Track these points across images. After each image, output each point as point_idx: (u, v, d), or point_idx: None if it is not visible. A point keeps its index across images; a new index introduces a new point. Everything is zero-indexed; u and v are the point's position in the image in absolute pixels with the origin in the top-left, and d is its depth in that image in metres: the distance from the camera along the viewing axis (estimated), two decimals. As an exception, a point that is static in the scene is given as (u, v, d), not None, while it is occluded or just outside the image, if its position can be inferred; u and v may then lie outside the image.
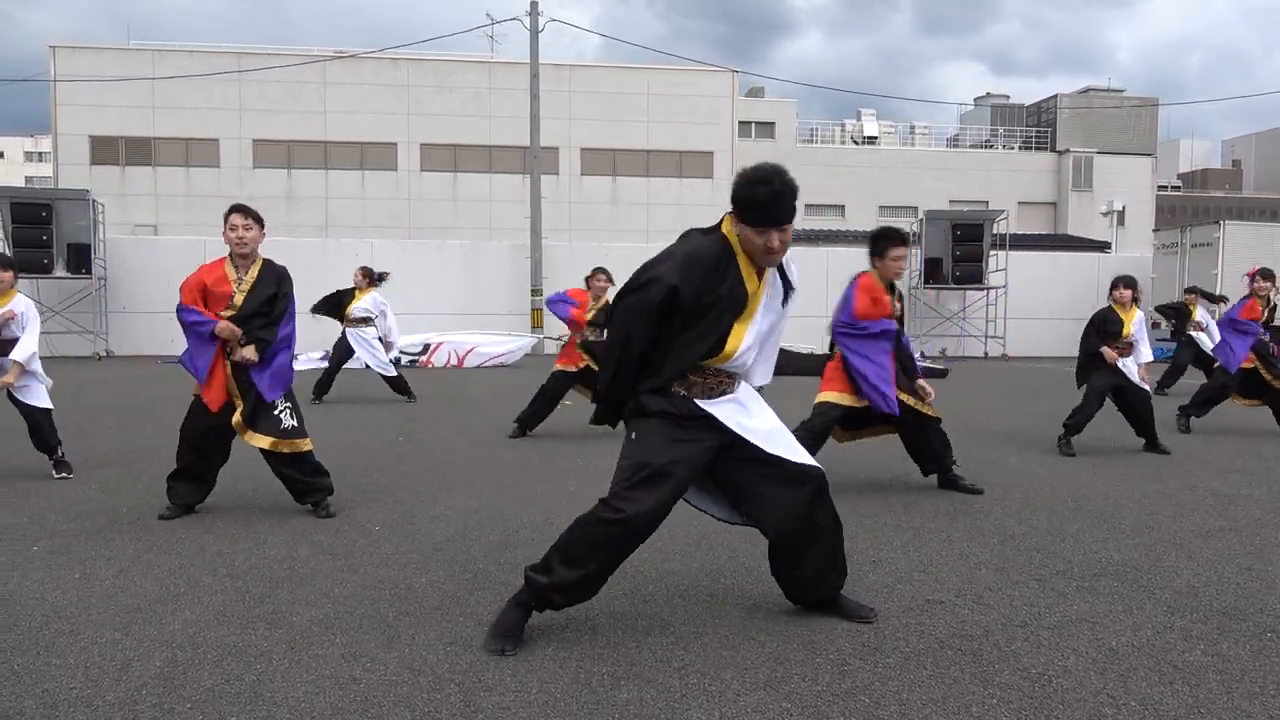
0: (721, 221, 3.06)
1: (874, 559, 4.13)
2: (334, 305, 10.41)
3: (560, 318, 8.03)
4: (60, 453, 5.97)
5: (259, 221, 4.86)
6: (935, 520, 4.87)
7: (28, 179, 67.34)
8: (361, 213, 30.35)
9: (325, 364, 10.58)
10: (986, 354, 19.29)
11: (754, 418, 3.13)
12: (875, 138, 42.12)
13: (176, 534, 4.50)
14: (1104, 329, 7.14)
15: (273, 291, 4.84)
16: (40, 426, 5.86)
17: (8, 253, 16.46)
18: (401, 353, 12.44)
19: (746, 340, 3.06)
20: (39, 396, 5.88)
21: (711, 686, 2.77)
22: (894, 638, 3.17)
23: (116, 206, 25.49)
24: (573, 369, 7.83)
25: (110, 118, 29.25)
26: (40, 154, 68.59)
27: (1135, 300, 7.23)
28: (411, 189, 31.00)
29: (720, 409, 3.08)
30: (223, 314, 4.74)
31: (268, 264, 4.91)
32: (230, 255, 4.85)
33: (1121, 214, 29.82)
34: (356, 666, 2.91)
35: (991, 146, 41.23)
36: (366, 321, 10.30)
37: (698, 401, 3.06)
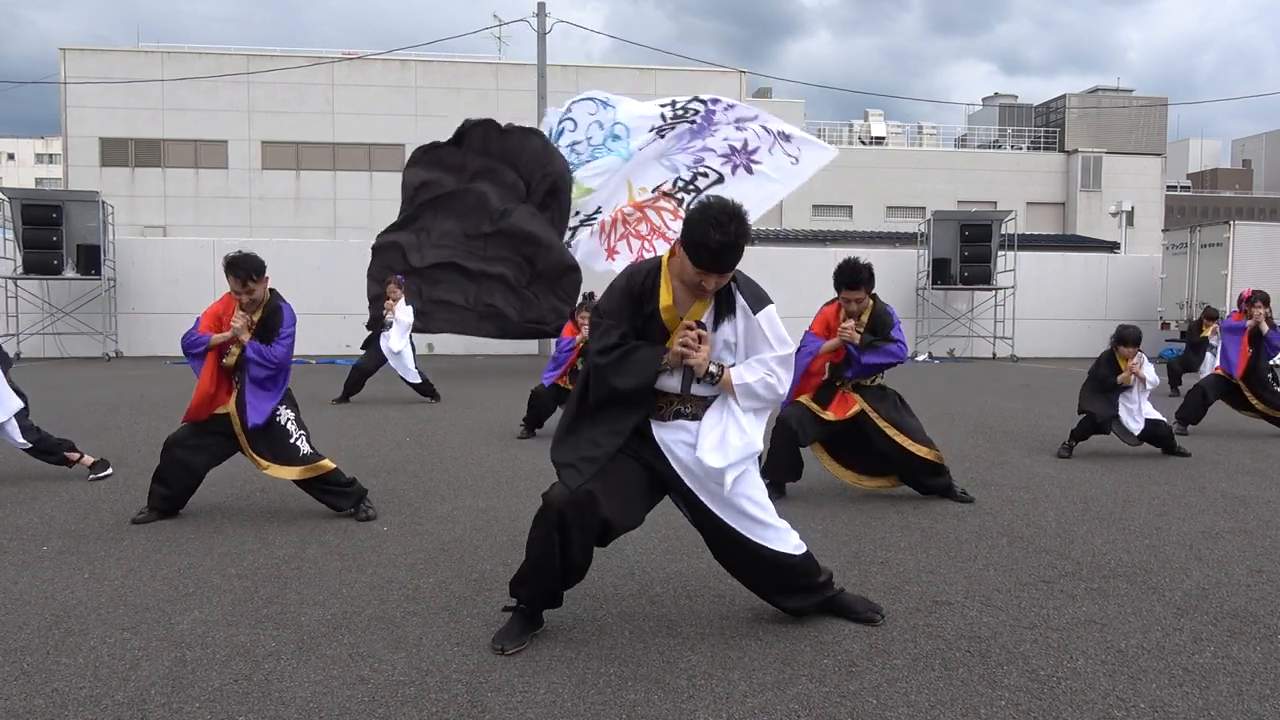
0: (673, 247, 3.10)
1: (882, 560, 4.12)
2: (377, 320, 10.49)
3: (566, 350, 8.00)
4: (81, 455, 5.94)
5: (258, 273, 4.69)
6: (943, 521, 4.86)
7: (38, 181, 67.77)
8: (370, 214, 30.36)
9: (414, 377, 10.47)
10: (995, 354, 19.22)
11: (706, 456, 3.05)
12: (883, 138, 42.04)
13: (185, 534, 4.52)
14: (1105, 381, 7.01)
15: (274, 329, 4.80)
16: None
17: (18, 252, 16.56)
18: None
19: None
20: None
21: (718, 688, 2.77)
22: (902, 639, 3.16)
23: (126, 208, 25.60)
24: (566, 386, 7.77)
25: (120, 120, 29.37)
26: (50, 156, 68.96)
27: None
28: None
29: (670, 435, 3.11)
30: (227, 361, 4.77)
31: (273, 308, 4.82)
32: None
33: (1130, 214, 29.69)
34: (364, 666, 2.91)
35: (999, 147, 41.09)
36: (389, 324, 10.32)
37: (652, 422, 3.11)
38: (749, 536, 3.15)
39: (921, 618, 3.37)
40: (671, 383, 3.08)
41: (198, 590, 3.65)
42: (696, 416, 3.12)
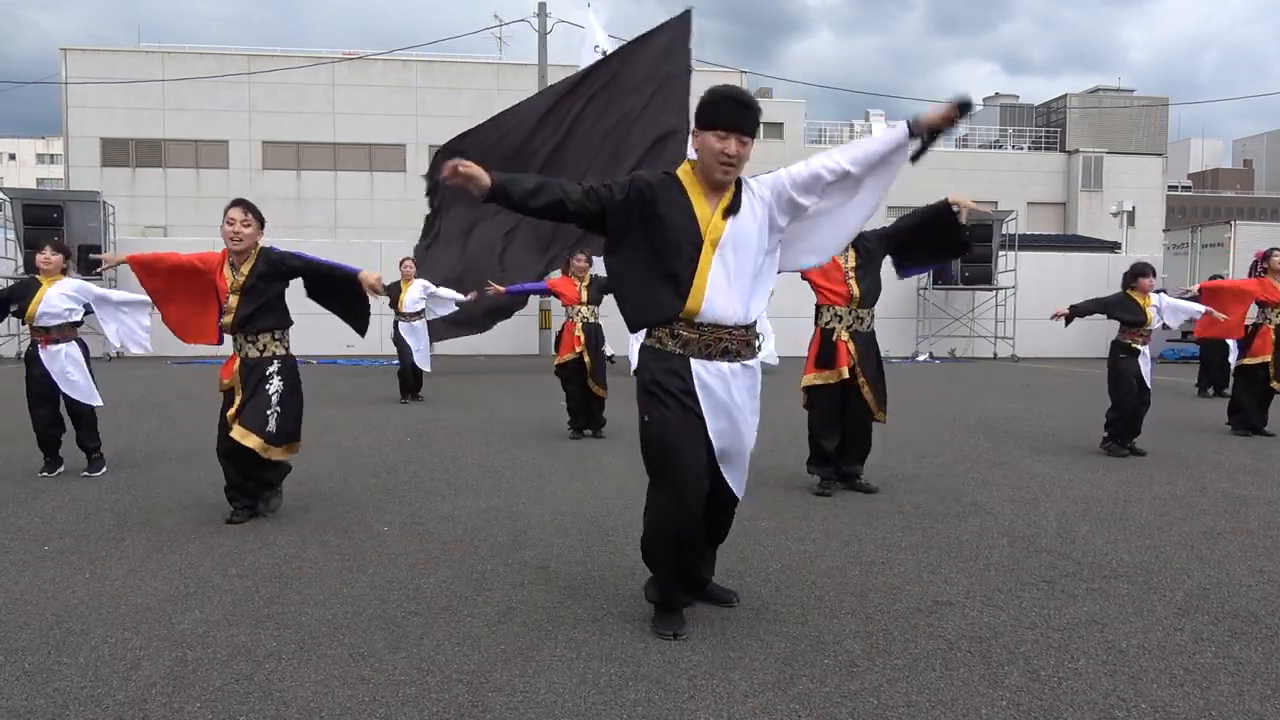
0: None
1: (883, 560, 4.12)
2: (392, 297, 10.42)
3: (535, 291, 8.31)
4: (99, 452, 6.13)
5: (259, 218, 4.69)
6: (944, 521, 4.86)
7: (39, 181, 67.83)
8: (370, 214, 30.42)
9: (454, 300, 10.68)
10: (995, 355, 19.22)
11: (732, 418, 3.07)
12: (884, 138, 41.97)
13: (186, 534, 4.52)
14: (1122, 316, 7.13)
15: (278, 275, 4.69)
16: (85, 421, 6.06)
17: (19, 252, 16.56)
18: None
19: (715, 275, 2.95)
20: (89, 393, 6.06)
21: (719, 688, 2.77)
22: (903, 639, 3.16)
23: (127, 208, 25.60)
24: (563, 360, 7.76)
25: (121, 120, 29.40)
26: (51, 156, 69.00)
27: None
28: (420, 190, 31.04)
29: (712, 387, 3.01)
30: (224, 320, 4.73)
31: (263, 255, 4.68)
32: (227, 254, 4.72)
33: (1131, 214, 29.67)
34: (365, 666, 2.91)
35: (1000, 147, 41.07)
36: (419, 315, 10.41)
37: (693, 363, 3.00)
38: (735, 490, 3.23)
39: (922, 618, 3.37)
40: (729, 310, 2.98)
41: (198, 590, 3.65)
42: (741, 356, 3.06)
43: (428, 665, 2.92)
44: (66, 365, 6.03)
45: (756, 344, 3.13)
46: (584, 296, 7.78)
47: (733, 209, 2.98)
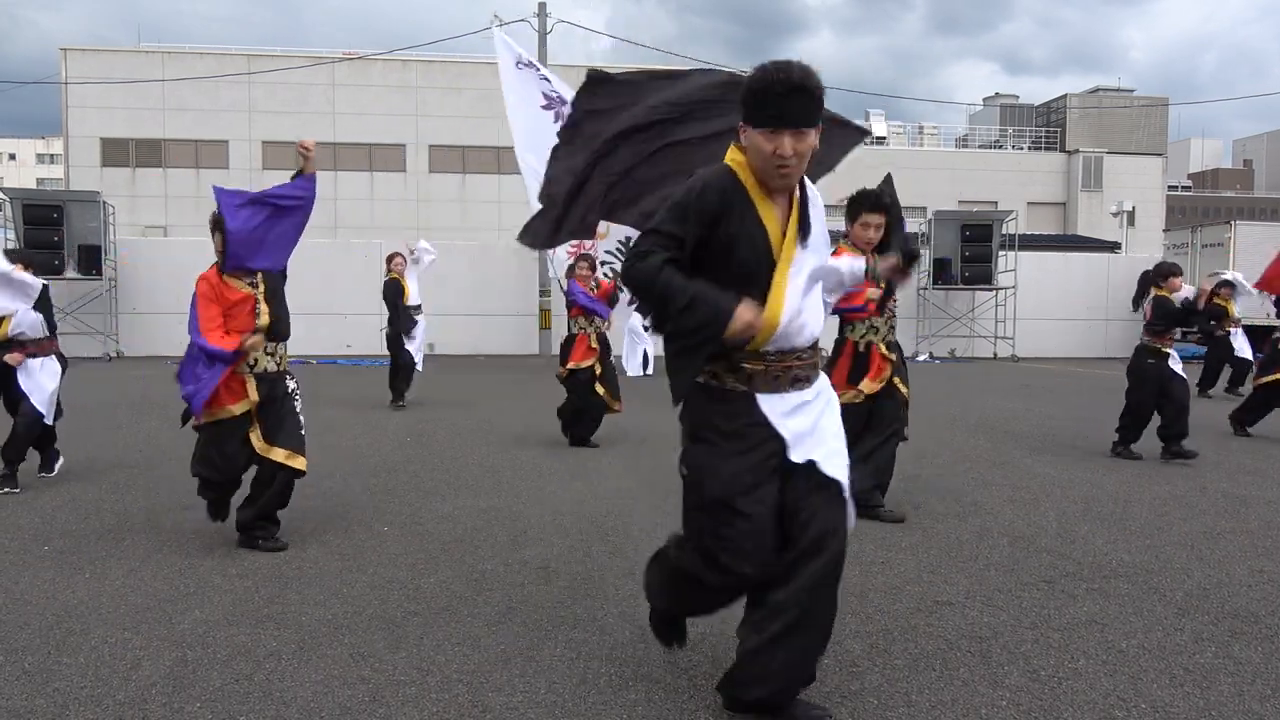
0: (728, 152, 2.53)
1: (883, 560, 4.12)
2: (396, 294, 10.21)
3: (583, 304, 7.45)
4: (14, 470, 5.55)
5: None
6: (944, 521, 4.86)
7: (39, 181, 67.83)
8: (370, 214, 30.40)
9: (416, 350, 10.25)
10: (996, 354, 19.21)
11: (823, 442, 2.54)
12: (884, 138, 41.99)
13: (186, 534, 4.52)
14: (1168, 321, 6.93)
15: (281, 275, 4.49)
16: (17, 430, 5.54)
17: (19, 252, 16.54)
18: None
19: (790, 299, 2.46)
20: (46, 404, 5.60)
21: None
22: (903, 639, 3.16)
23: (127, 208, 25.60)
24: (586, 364, 7.26)
25: (121, 120, 29.39)
26: (51, 156, 69.03)
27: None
28: (420, 190, 31.06)
29: (789, 420, 2.49)
30: (255, 333, 4.26)
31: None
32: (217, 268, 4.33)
33: (1131, 214, 29.66)
34: (365, 666, 2.91)
35: (1000, 147, 41.05)
36: (419, 309, 10.22)
37: (760, 400, 2.48)
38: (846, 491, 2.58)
39: (922, 618, 3.37)
40: (802, 334, 2.51)
41: (198, 590, 3.65)
42: (810, 381, 2.55)
43: (428, 665, 2.92)
44: (43, 376, 5.67)
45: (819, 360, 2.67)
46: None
47: (804, 224, 2.51)
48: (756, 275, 2.44)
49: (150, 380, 12.88)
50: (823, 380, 2.63)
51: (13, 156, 76.15)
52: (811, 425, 2.52)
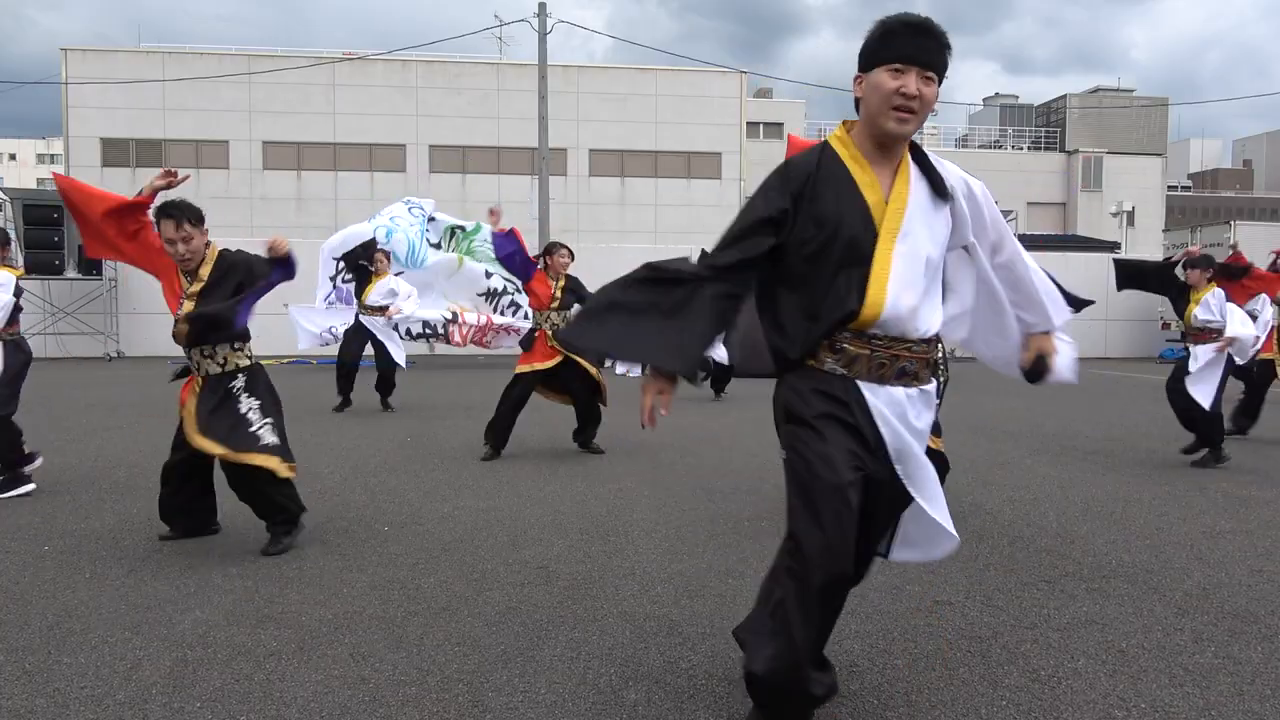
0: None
1: (883, 559, 4.11)
2: (355, 264, 10.04)
3: (517, 274, 7.06)
4: None
5: (196, 221, 4.07)
6: (944, 521, 4.85)
7: (39, 181, 67.85)
8: (370, 214, 30.43)
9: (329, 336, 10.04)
10: (996, 355, 19.26)
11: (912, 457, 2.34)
12: (884, 138, 41.99)
13: (186, 534, 4.52)
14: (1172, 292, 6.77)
15: (229, 282, 4.16)
16: None
17: (19, 253, 16.55)
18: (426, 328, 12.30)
19: (896, 275, 2.23)
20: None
21: (719, 688, 2.77)
22: (902, 639, 3.16)
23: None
24: (533, 368, 6.79)
25: (121, 120, 29.40)
26: (52, 156, 69.05)
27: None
28: (420, 190, 30.98)
29: (887, 416, 2.29)
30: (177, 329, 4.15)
31: (221, 258, 4.20)
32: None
33: (1131, 214, 29.64)
34: (365, 666, 2.91)
35: (1000, 147, 41.07)
36: (383, 310, 9.80)
37: (861, 384, 2.28)
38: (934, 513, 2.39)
39: (921, 618, 3.37)
40: (914, 319, 2.28)
41: (199, 590, 3.65)
42: (919, 380, 2.34)
43: (428, 665, 2.92)
44: None
45: (939, 363, 2.45)
46: (556, 298, 6.84)
47: (916, 191, 2.29)
48: (857, 250, 2.24)
49: (150, 380, 12.88)
50: (932, 386, 2.41)
51: (13, 156, 76.19)
52: (904, 435, 2.32)
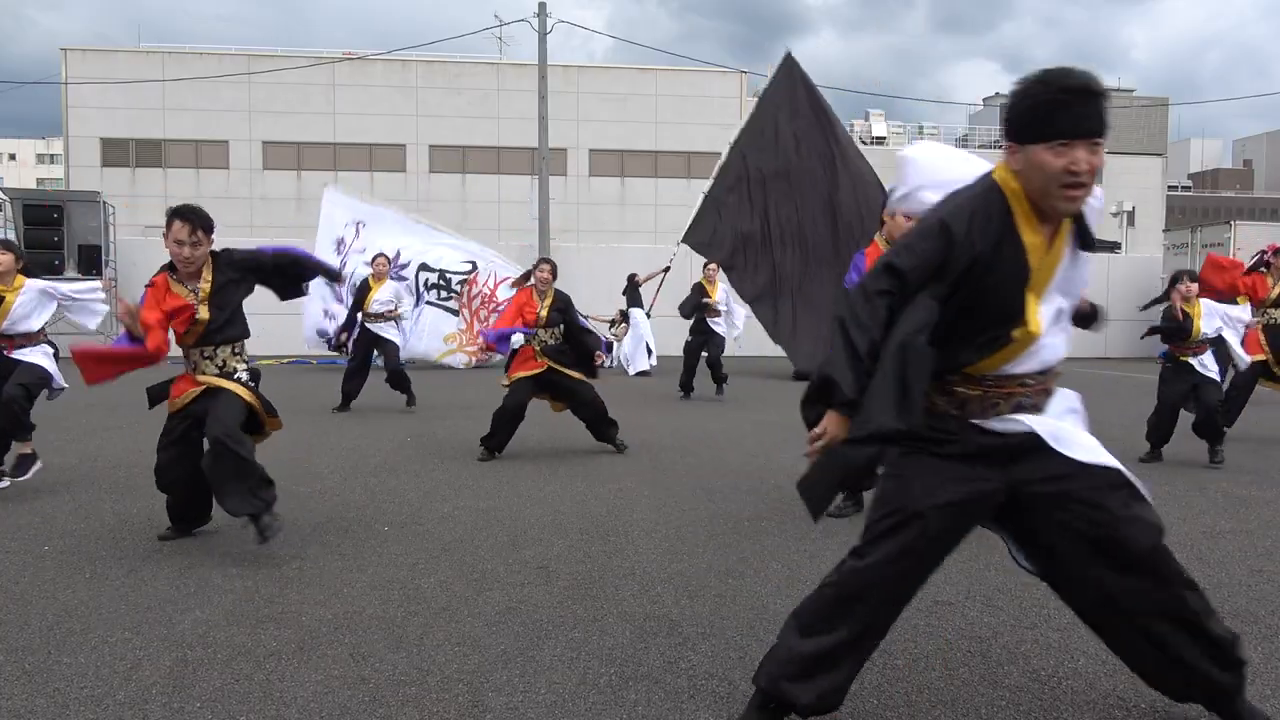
0: (991, 172, 2.29)
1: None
2: (359, 296, 9.94)
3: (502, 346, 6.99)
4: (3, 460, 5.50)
5: (208, 230, 4.17)
6: (944, 521, 4.85)
7: (39, 181, 67.93)
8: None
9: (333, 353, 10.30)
10: (996, 355, 19.27)
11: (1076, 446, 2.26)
12: (884, 138, 42.07)
13: (186, 534, 4.52)
14: (1170, 335, 6.71)
15: (241, 282, 4.32)
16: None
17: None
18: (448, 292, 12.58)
19: (1044, 325, 2.22)
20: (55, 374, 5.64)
21: (719, 688, 2.77)
22: (902, 639, 3.16)
23: (127, 208, 25.62)
24: (529, 373, 6.76)
25: (121, 120, 29.43)
26: (52, 156, 69.10)
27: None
28: (420, 190, 31.08)
29: (1005, 428, 2.26)
30: (190, 333, 4.30)
31: (221, 259, 4.27)
32: (172, 268, 4.23)
33: (1131, 214, 29.69)
34: (365, 666, 2.91)
35: (1000, 147, 41.13)
36: (384, 317, 9.73)
37: (977, 423, 2.26)
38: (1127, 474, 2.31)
39: (921, 618, 3.37)
40: (1034, 359, 2.25)
41: (199, 590, 3.65)
42: (1038, 409, 2.31)
43: (428, 665, 2.92)
44: (36, 354, 5.80)
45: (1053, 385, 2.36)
46: (543, 316, 6.72)
47: (1073, 240, 2.24)
48: (1011, 301, 2.18)
49: (150, 380, 12.89)
50: (1061, 400, 2.35)
51: (13, 156, 76.24)
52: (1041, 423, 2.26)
